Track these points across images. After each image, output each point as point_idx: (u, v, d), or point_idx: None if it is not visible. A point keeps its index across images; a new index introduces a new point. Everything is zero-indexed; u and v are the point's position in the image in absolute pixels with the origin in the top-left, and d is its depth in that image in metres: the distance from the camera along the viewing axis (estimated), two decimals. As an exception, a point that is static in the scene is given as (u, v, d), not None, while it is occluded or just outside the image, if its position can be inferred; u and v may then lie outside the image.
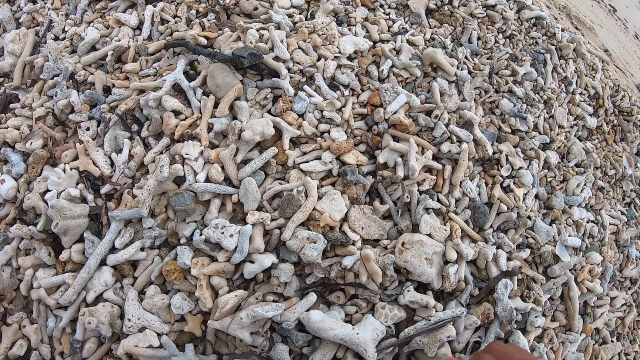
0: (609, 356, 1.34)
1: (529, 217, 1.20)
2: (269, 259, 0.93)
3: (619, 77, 1.82)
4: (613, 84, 1.57)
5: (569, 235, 1.24)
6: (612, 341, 1.38)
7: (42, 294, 1.01)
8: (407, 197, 1.04)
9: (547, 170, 1.29)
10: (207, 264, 0.96)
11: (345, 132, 1.08)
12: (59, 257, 1.02)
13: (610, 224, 1.38)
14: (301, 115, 1.07)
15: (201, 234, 0.96)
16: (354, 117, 1.10)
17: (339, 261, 0.96)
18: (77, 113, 1.12)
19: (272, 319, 0.94)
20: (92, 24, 1.21)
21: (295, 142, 1.06)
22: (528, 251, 1.16)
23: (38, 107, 1.14)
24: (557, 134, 1.33)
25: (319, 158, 1.03)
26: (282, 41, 1.12)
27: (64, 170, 1.07)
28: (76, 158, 1.09)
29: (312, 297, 0.94)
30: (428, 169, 1.09)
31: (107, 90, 1.16)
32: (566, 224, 1.26)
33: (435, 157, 1.11)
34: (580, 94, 1.46)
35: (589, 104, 1.47)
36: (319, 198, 0.99)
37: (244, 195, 0.99)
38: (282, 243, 0.96)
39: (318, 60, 1.12)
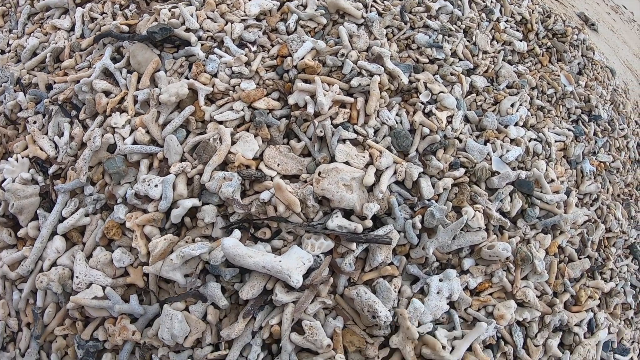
0: (577, 273, 1.29)
1: (459, 139, 1.21)
2: (190, 202, 1.00)
3: (556, 7, 1.80)
4: (543, 9, 1.56)
5: (507, 151, 1.23)
6: (579, 259, 1.33)
7: (5, 270, 1.11)
8: (321, 131, 1.09)
9: (475, 95, 1.30)
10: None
11: (258, 84, 1.15)
12: (18, 235, 1.13)
13: (556, 141, 1.36)
14: (214, 75, 1.15)
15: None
16: (266, 70, 1.17)
17: (259, 197, 1.02)
18: (24, 110, 1.26)
19: (203, 259, 0.99)
20: (32, 34, 1.37)
21: (212, 100, 1.14)
22: (462, 170, 1.17)
23: (-9, 111, 1.28)
24: (482, 59, 1.34)
25: (232, 109, 1.10)
26: (192, 15, 1.22)
27: (17, 160, 1.20)
28: (27, 148, 1.22)
29: (236, 233, 0.99)
30: (342, 104, 1.14)
31: (49, 88, 1.29)
32: (502, 142, 1.26)
33: (348, 94, 1.15)
34: (506, 21, 1.47)
35: (517, 30, 1.47)
36: (234, 143, 1.06)
37: (167, 151, 1.07)
38: (204, 188, 1.03)
39: (226, 25, 1.21)
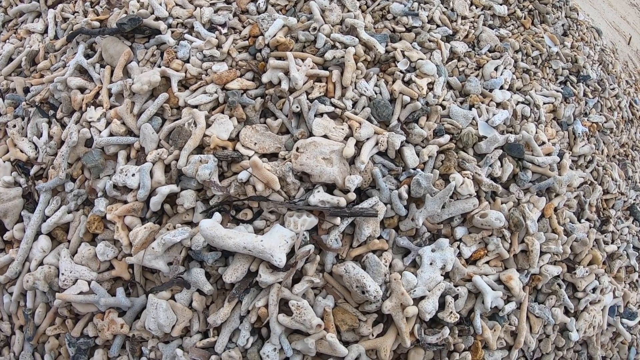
0: (579, 235, 1.25)
1: (442, 106, 1.18)
2: (168, 188, 0.98)
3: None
4: (522, -29, 1.53)
5: (494, 115, 1.20)
6: (579, 222, 1.29)
7: (-6, 274, 1.11)
8: (297, 107, 1.06)
9: (456, 61, 1.27)
10: (120, 208, 1.02)
11: (231, 65, 1.13)
12: (4, 238, 1.12)
13: (544, 103, 1.32)
14: (187, 61, 1.14)
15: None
16: (238, 51, 1.15)
17: (236, 178, 0.99)
18: (3, 115, 1.25)
19: (185, 246, 0.98)
20: (7, 40, 1.37)
21: (186, 86, 1.13)
22: (448, 137, 1.13)
23: (-29, 119, 1.28)
24: (462, 25, 1.31)
25: (205, 92, 1.08)
26: (160, 3, 1.20)
27: (-2, 164, 1.19)
28: (7, 152, 1.21)
29: (216, 216, 0.97)
30: (317, 78, 1.11)
31: (27, 91, 1.28)
32: (488, 106, 1.22)
33: (324, 68, 1.13)
34: (485, -15, 1.43)
35: (497, -7, 1.44)
36: (209, 126, 1.04)
37: (143, 140, 1.06)
38: (182, 173, 1.01)
39: (195, 10, 1.19)
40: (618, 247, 1.35)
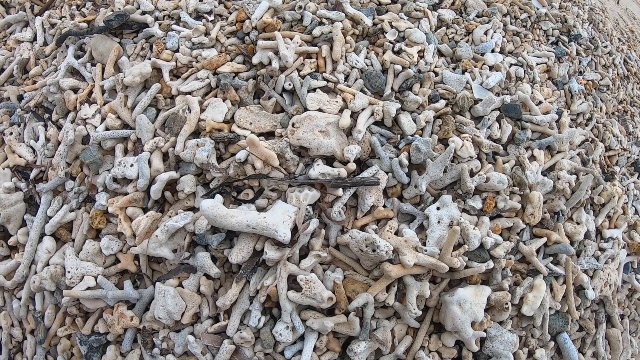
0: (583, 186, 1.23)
1: (435, 72, 1.17)
2: (167, 175, 0.98)
3: None
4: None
5: (487, 77, 1.19)
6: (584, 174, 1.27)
7: (2, 280, 1.10)
8: (289, 84, 1.06)
9: (445, 28, 1.26)
10: (121, 200, 1.02)
11: (220, 51, 1.13)
12: (9, 244, 1.12)
13: (538, 64, 1.31)
14: (176, 51, 1.14)
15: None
16: (227, 37, 1.15)
17: (235, 158, 0.99)
18: (0, 124, 1.25)
19: (189, 231, 0.97)
20: (-2, 52, 1.38)
21: (177, 75, 1.13)
22: (443, 102, 1.13)
23: (-33, 130, 1.28)
24: (446, -7, 1.30)
25: (197, 78, 1.08)
26: (146, -2, 1.21)
27: (-3, 171, 1.19)
28: (6, 159, 1.21)
29: (217, 197, 0.97)
30: (307, 55, 1.11)
31: (21, 98, 1.29)
32: (481, 70, 1.22)
33: (313, 45, 1.13)
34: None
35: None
36: (203, 110, 1.04)
37: (139, 131, 1.06)
38: (180, 160, 1.01)
39: (180, 1, 1.20)
40: (625, 203, 1.33)
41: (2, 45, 1.39)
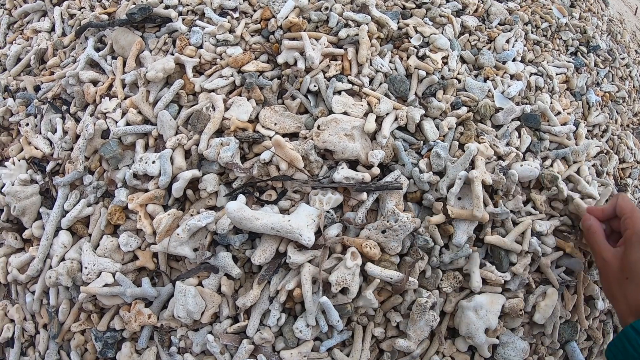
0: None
1: (458, 79, 1.17)
2: (190, 173, 0.97)
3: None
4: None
5: (508, 86, 1.19)
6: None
7: (15, 273, 1.09)
8: (315, 85, 1.05)
9: (468, 35, 1.26)
10: (142, 197, 1.01)
11: (245, 49, 1.12)
12: (23, 237, 1.11)
13: (557, 74, 1.32)
14: (200, 47, 1.13)
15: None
16: (251, 35, 1.14)
17: (259, 159, 0.98)
18: (15, 115, 1.24)
19: (210, 230, 0.96)
20: (14, 42, 1.36)
21: (200, 72, 1.12)
22: (465, 109, 1.13)
23: (-18, 120, 1.27)
24: None
25: (221, 76, 1.07)
26: (169, -9, 1.20)
27: (13, 163, 1.18)
28: (22, 150, 1.20)
29: (241, 198, 0.96)
30: (332, 57, 1.10)
31: (38, 89, 1.27)
32: (502, 78, 1.22)
33: (338, 46, 1.12)
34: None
35: (502, -32, 1.44)
36: (227, 109, 1.03)
37: (161, 127, 1.05)
38: (203, 158, 1.00)
39: (205, -4, 1.19)
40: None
41: (19, 34, 1.37)
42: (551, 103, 1.26)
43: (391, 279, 0.94)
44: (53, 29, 1.34)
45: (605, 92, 1.46)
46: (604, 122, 1.36)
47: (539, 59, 1.33)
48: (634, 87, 1.58)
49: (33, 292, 1.10)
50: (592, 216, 0.95)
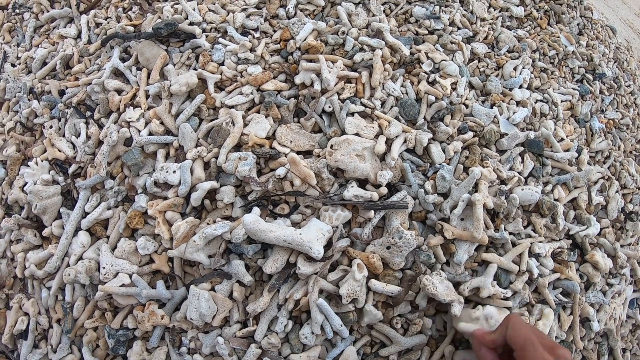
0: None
1: (465, 105, 1.22)
2: (208, 184, 1.03)
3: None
4: (536, -27, 1.58)
5: (514, 113, 1.24)
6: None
7: (33, 269, 1.14)
8: (329, 106, 1.11)
9: (477, 61, 1.31)
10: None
11: (264, 68, 1.18)
12: (43, 235, 1.16)
13: (562, 101, 1.37)
14: (221, 64, 1.18)
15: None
16: (270, 54, 1.20)
17: (274, 174, 1.04)
18: (40, 117, 1.29)
19: (225, 239, 1.01)
20: (40, 45, 1.42)
21: (221, 88, 1.17)
22: (471, 134, 1.18)
23: (7, 121, 1.32)
24: (481, 26, 1.35)
25: (241, 93, 1.13)
26: (194, 9, 1.25)
27: (36, 163, 1.23)
28: (45, 151, 1.25)
29: (255, 210, 1.01)
30: (347, 80, 1.16)
31: (62, 94, 1.33)
32: (508, 104, 1.27)
33: (352, 69, 1.18)
34: (501, -12, 1.48)
35: (513, -5, 1.49)
36: (246, 125, 1.08)
37: (182, 139, 1.10)
38: (221, 170, 1.05)
39: (227, 15, 1.24)
40: (638, 243, 1.39)
41: (45, 38, 1.43)
42: (555, 129, 1.31)
43: (392, 293, 0.99)
44: (79, 36, 1.40)
45: (609, 119, 1.51)
46: (607, 148, 1.41)
47: (545, 85, 1.38)
48: (638, 114, 1.63)
49: (49, 288, 1.15)
50: (483, 346, 0.85)
